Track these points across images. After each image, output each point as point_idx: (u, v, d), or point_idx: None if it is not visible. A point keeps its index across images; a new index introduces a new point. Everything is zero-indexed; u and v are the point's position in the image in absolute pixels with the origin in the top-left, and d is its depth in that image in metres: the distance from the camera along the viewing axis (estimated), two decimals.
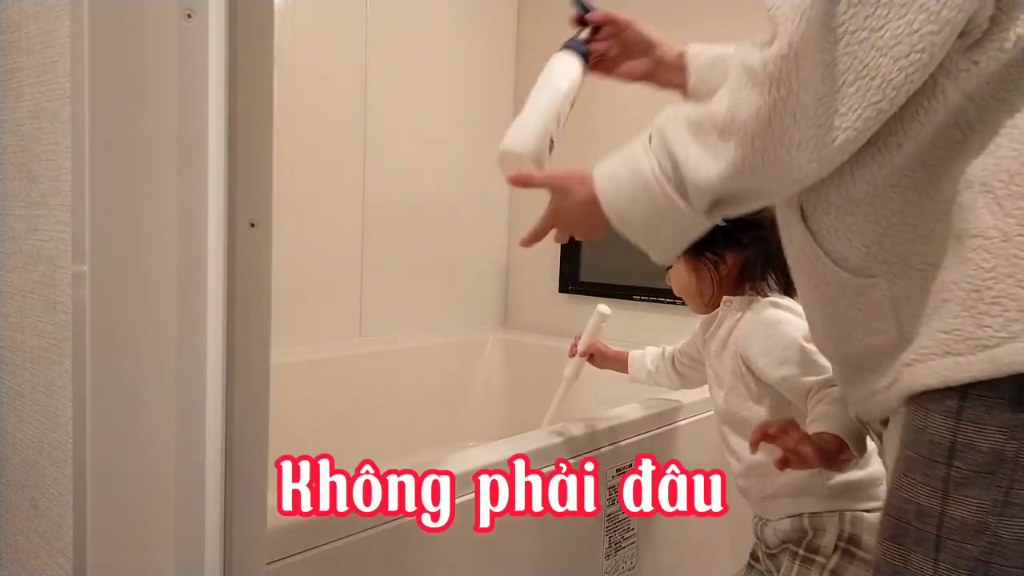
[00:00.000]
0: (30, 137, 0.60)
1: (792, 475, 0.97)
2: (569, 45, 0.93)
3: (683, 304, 1.15)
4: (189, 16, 0.54)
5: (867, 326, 0.61)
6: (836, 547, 0.96)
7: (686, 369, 1.23)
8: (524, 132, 0.85)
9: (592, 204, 0.70)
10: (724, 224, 0.98)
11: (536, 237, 0.83)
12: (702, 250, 1.05)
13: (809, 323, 0.73)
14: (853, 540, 0.95)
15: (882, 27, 0.51)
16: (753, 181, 0.59)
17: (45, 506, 0.61)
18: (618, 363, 1.32)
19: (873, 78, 0.52)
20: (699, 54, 0.90)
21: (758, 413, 1.01)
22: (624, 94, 1.95)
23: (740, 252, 1.05)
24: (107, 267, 0.53)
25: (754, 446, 0.81)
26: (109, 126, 0.52)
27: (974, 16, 0.51)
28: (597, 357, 1.32)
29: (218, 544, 0.58)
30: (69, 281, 0.55)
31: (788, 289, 1.03)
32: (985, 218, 0.52)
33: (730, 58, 0.83)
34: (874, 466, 0.98)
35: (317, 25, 1.71)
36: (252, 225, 0.58)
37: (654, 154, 0.65)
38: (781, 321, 0.99)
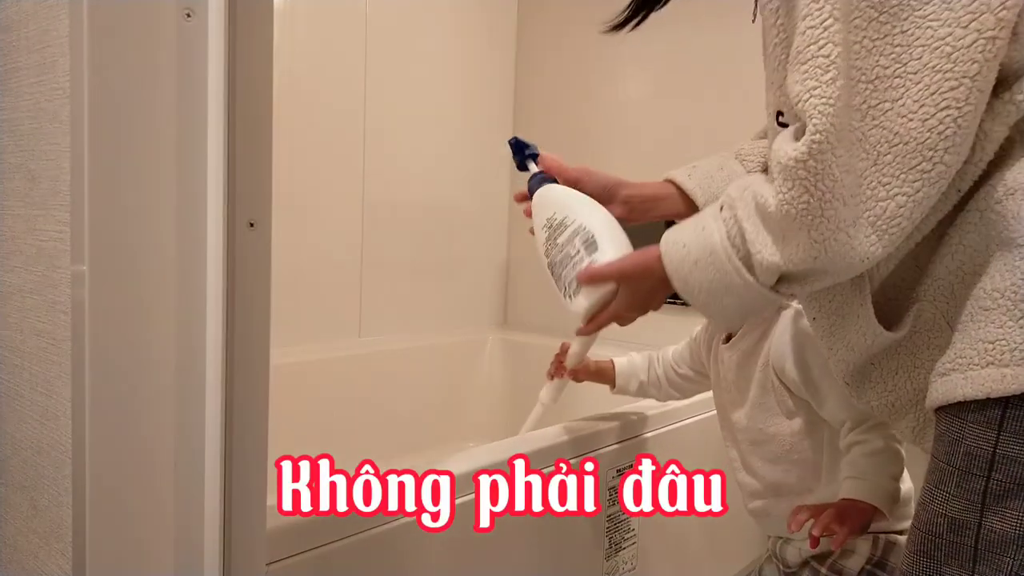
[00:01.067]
0: (29, 137, 0.60)
1: (828, 492, 0.94)
2: (539, 181, 0.90)
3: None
4: (188, 16, 0.54)
5: (932, 345, 0.61)
6: (862, 570, 0.92)
7: (686, 381, 1.16)
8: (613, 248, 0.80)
9: (667, 281, 0.69)
10: None
11: (597, 328, 0.81)
12: None
13: (870, 383, 0.70)
14: (880, 564, 0.92)
15: (902, 96, 0.52)
16: (818, 265, 0.58)
17: (44, 506, 0.61)
18: (602, 375, 1.21)
19: (907, 143, 0.52)
20: (692, 173, 0.86)
21: (789, 428, 0.96)
22: (624, 92, 1.96)
23: None
24: (106, 267, 0.53)
25: (795, 527, 0.82)
26: (108, 126, 0.52)
27: (1008, 62, 0.52)
28: (580, 371, 1.17)
29: (218, 544, 0.58)
30: (68, 281, 0.55)
31: None
32: None
33: (724, 159, 0.85)
34: (908, 482, 0.95)
35: (317, 25, 1.71)
36: (251, 225, 0.58)
37: (724, 224, 0.63)
38: None
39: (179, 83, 0.54)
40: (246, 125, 0.57)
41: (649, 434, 1.23)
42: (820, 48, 0.52)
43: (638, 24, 0.82)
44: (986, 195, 0.54)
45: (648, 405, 1.26)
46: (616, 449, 1.15)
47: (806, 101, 0.53)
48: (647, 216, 0.89)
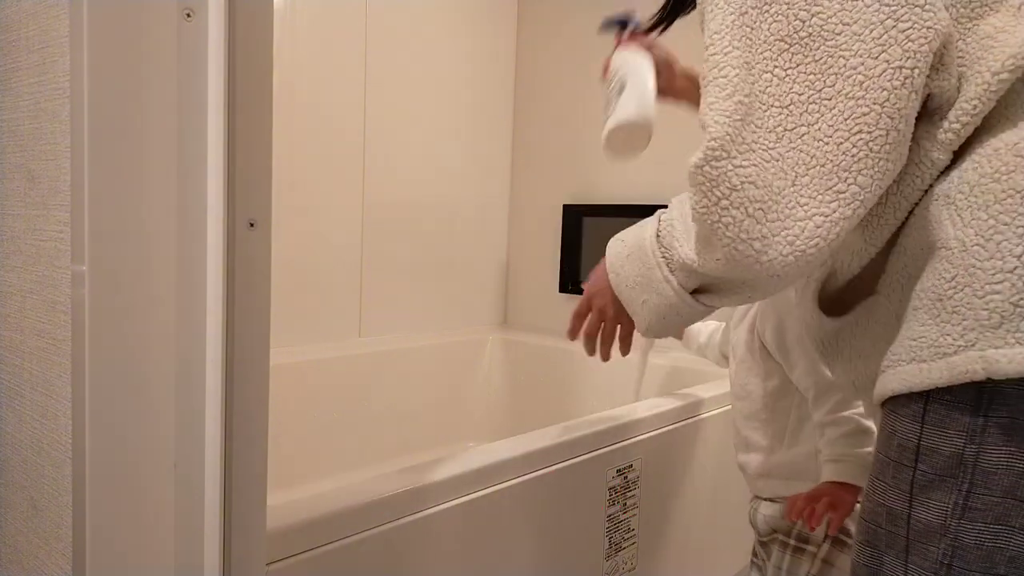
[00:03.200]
0: (29, 137, 0.60)
1: (787, 456, 1.02)
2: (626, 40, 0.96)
3: None
4: (189, 16, 0.54)
5: (887, 338, 0.62)
6: (826, 536, 0.97)
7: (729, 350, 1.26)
8: (641, 106, 0.86)
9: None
10: None
11: (577, 330, 0.85)
12: None
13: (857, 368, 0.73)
14: (844, 529, 0.96)
15: (816, 121, 0.54)
16: (726, 272, 0.60)
17: (44, 506, 0.61)
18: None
19: (823, 165, 0.54)
20: None
21: (763, 389, 1.05)
22: None
23: None
24: (106, 267, 0.53)
25: (794, 517, 0.92)
26: (108, 126, 0.52)
27: (939, 91, 0.54)
28: None
29: (218, 544, 0.58)
30: (68, 281, 0.55)
31: None
32: (947, 229, 0.53)
33: None
34: None
35: (317, 25, 1.71)
36: (251, 225, 0.58)
37: (661, 222, 0.67)
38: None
39: (179, 83, 0.54)
40: (246, 125, 0.57)
41: (650, 434, 1.23)
42: (720, 71, 0.55)
43: (665, 28, 0.91)
44: (921, 202, 0.57)
45: (649, 405, 1.26)
46: (616, 449, 1.15)
47: (705, 115, 0.56)
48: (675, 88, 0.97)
